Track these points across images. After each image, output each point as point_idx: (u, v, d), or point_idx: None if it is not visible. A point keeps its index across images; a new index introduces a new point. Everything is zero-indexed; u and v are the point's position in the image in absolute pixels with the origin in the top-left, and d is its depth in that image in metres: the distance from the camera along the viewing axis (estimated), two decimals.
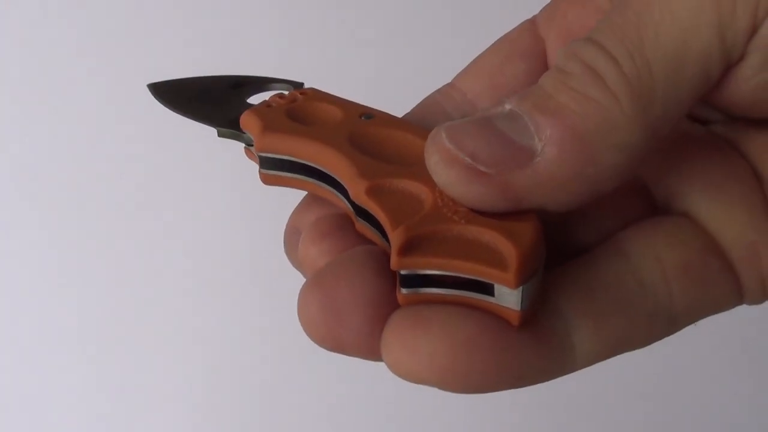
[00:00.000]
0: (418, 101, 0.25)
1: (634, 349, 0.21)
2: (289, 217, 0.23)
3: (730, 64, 0.19)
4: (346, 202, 0.21)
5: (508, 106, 0.19)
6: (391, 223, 0.19)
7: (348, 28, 0.60)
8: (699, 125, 0.23)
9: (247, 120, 0.23)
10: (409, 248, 0.18)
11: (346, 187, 0.21)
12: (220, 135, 0.24)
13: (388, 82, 0.54)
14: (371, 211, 0.20)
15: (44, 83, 0.58)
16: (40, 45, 0.58)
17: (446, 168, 0.18)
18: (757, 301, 0.22)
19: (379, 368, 0.19)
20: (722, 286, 0.21)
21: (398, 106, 0.25)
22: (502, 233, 0.18)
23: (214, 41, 0.58)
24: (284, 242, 0.24)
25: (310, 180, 0.22)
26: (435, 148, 0.19)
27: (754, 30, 0.18)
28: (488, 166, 0.18)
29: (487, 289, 0.19)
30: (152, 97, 0.24)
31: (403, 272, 0.19)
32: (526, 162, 0.18)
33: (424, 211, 0.19)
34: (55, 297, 0.56)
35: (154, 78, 0.25)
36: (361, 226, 0.21)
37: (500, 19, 0.26)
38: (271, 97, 0.24)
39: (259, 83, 0.26)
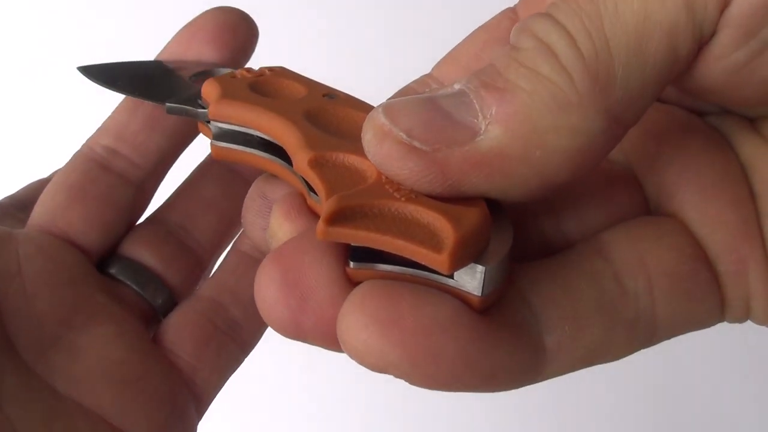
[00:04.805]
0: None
1: (610, 361, 0.19)
2: (255, 182, 0.22)
3: (701, 42, 0.17)
4: (300, 178, 0.20)
5: (457, 86, 0.18)
6: (327, 193, 0.18)
7: (328, 19, 0.58)
8: (695, 116, 0.22)
9: (207, 87, 0.22)
10: (339, 218, 0.17)
11: (291, 157, 0.20)
12: (169, 111, 0.23)
13: (367, 74, 0.52)
14: (310, 182, 0.19)
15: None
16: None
17: (378, 143, 0.17)
18: (737, 320, 0.20)
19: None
20: (707, 300, 0.20)
21: (376, 97, 0.24)
22: (442, 214, 0.17)
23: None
24: (245, 206, 0.22)
25: (264, 155, 0.21)
26: (370, 124, 0.18)
27: (726, 1, 0.16)
28: (424, 143, 0.17)
29: None
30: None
31: (354, 244, 0.17)
32: (467, 140, 0.17)
33: (364, 185, 0.18)
34: None
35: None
36: (313, 202, 0.20)
37: (482, 12, 0.25)
38: (238, 69, 0.23)
39: (196, 67, 0.25)
